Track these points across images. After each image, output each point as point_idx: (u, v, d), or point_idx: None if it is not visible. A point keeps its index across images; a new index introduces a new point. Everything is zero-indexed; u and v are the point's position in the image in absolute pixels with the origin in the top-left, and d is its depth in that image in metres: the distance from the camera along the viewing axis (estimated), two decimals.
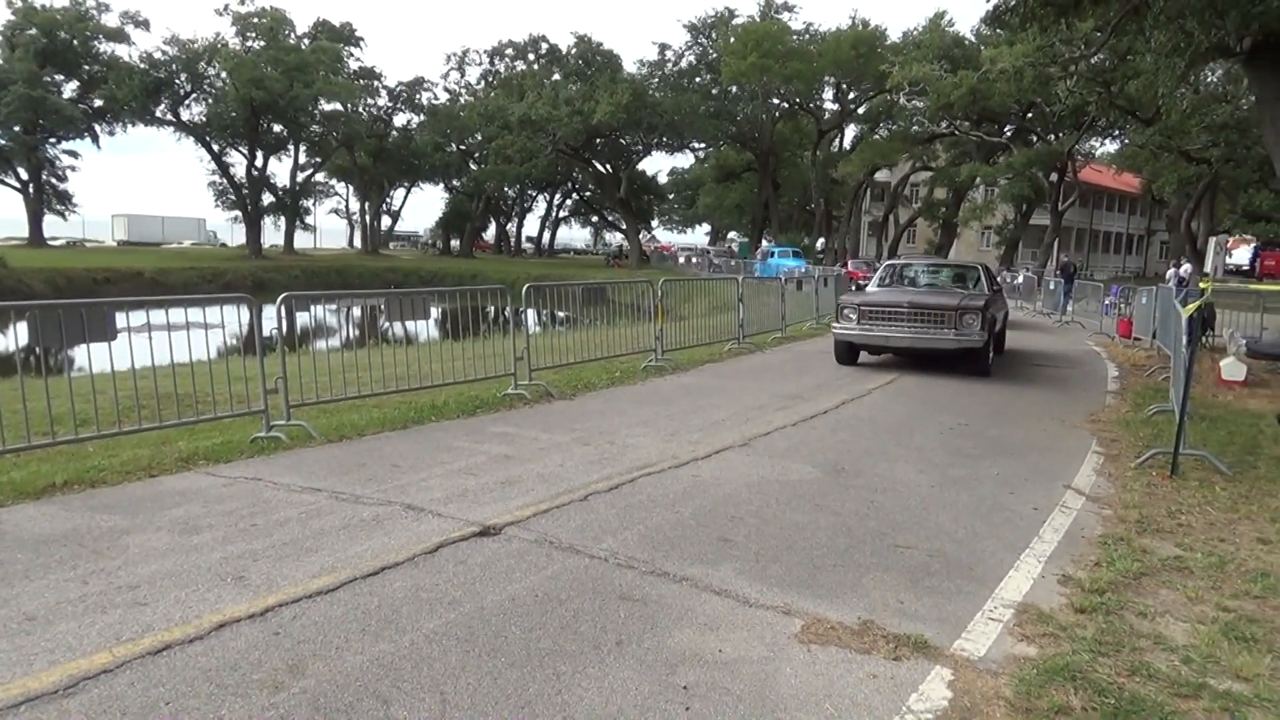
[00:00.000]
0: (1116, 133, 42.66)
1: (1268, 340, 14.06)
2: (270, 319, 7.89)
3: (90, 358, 6.51)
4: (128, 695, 3.10)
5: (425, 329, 15.70)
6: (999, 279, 27.90)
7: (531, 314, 11.38)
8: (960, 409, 9.50)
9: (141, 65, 53.73)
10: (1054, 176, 44.92)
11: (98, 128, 56.64)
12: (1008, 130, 46.46)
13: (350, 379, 8.76)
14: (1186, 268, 33.11)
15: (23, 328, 6.30)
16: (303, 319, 18.11)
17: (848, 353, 12.76)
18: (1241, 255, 55.56)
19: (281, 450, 6.88)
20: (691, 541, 4.88)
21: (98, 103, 55.22)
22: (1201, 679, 3.46)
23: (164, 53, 54.57)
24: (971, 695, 3.31)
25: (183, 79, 55.41)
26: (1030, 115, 43.76)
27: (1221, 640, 3.80)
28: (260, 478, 6.01)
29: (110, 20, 55.14)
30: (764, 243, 61.90)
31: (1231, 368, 11.60)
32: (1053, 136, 44.27)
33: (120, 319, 6.93)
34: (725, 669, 3.44)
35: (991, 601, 4.21)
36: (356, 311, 20.65)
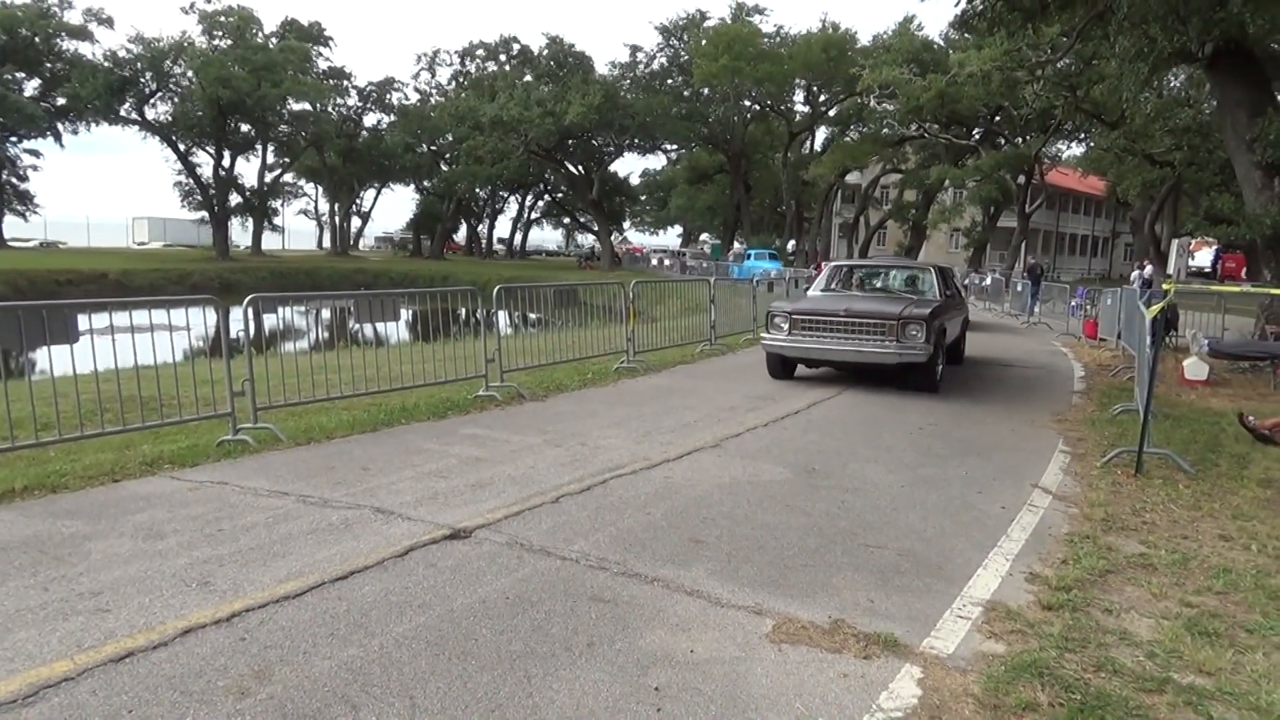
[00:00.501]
0: (1082, 136, 43.24)
1: (1229, 341, 14.31)
2: (237, 321, 7.78)
3: (52, 360, 6.39)
4: (89, 703, 3.04)
5: (396, 331, 15.61)
6: (964, 280, 28.24)
7: (504, 316, 11.34)
8: (929, 409, 9.58)
9: (105, 63, 52.83)
10: (1021, 179, 45.46)
11: (60, 127, 55.67)
12: (976, 133, 46.97)
13: (319, 381, 8.67)
14: (1149, 269, 33.64)
15: None
16: (271, 321, 17.92)
17: (781, 366, 11.28)
18: (1204, 257, 56.53)
19: (249, 454, 6.79)
20: (663, 543, 4.87)
21: (60, 101, 54.27)
22: (1165, 674, 3.51)
23: (129, 51, 53.71)
24: (940, 693, 3.33)
25: (148, 78, 54.55)
26: (998, 118, 44.26)
27: (1185, 635, 3.86)
28: (227, 482, 5.93)
29: (73, 17, 54.22)
30: (736, 244, 62.14)
31: (1194, 367, 11.79)
32: (1020, 140, 44.79)
33: (84, 321, 6.79)
34: (696, 670, 3.43)
35: (960, 600, 4.25)
36: (326, 313, 20.46)
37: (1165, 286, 7.11)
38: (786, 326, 10.74)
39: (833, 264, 14.20)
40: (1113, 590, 4.41)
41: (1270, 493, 6.38)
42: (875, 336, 10.30)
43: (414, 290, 12.81)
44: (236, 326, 8.05)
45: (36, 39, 52.28)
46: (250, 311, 7.64)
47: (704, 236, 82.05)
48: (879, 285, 12.87)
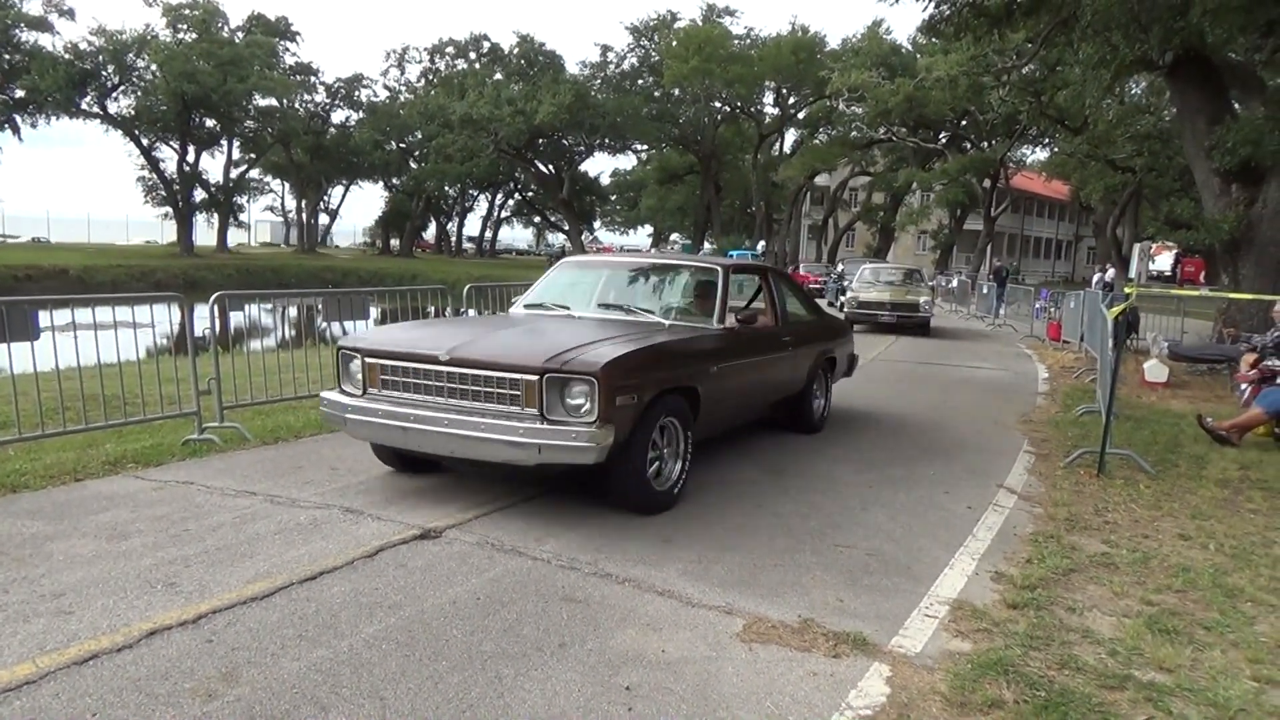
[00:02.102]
0: (1046, 141, 43.88)
1: (1188, 344, 14.59)
2: (203, 318, 7.68)
3: (11, 358, 6.27)
4: (52, 706, 2.99)
5: (357, 329, 15.48)
6: (931, 282, 28.42)
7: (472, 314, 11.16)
8: (898, 409, 9.68)
9: (66, 55, 51.81)
10: (987, 183, 46.06)
11: (19, 119, 54.55)
12: (943, 137, 47.51)
13: (286, 380, 8.58)
14: (1111, 273, 34.21)
15: None
16: (238, 319, 17.70)
17: (389, 454, 6.10)
18: (1164, 261, 57.55)
19: (215, 453, 6.72)
20: (634, 542, 4.88)
21: (19, 93, 53.17)
22: (1127, 670, 3.58)
23: (90, 43, 52.67)
24: (908, 691, 3.37)
25: (110, 70, 53.57)
26: (965, 123, 44.82)
27: (1145, 633, 3.93)
28: (192, 481, 5.85)
29: (32, 8, 53.08)
30: (705, 245, 62.30)
31: (1154, 370, 12.02)
32: (986, 144, 45.37)
33: (46, 318, 6.67)
34: (668, 669, 3.45)
35: (928, 599, 4.30)
36: (293, 311, 20.25)
37: (1126, 290, 7.23)
38: (360, 378, 5.57)
39: (565, 260, 8.09)
40: (1076, 589, 4.49)
41: (1227, 493, 6.52)
42: (495, 405, 5.07)
43: (383, 289, 12.74)
44: (202, 324, 7.93)
45: None
46: (215, 309, 7.53)
47: (674, 237, 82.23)
48: (618, 299, 6.95)
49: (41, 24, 52.84)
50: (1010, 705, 3.27)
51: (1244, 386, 9.58)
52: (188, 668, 3.29)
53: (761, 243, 56.76)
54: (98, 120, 55.34)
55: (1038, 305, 22.35)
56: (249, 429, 7.31)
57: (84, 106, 53.95)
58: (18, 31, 52.46)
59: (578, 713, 3.10)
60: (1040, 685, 3.40)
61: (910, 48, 45.45)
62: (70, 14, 54.36)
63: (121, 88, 54.80)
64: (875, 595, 4.31)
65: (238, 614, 3.77)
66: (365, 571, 4.30)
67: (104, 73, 53.45)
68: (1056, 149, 43.18)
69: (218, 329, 7.42)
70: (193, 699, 3.08)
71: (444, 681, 3.27)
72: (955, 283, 32.72)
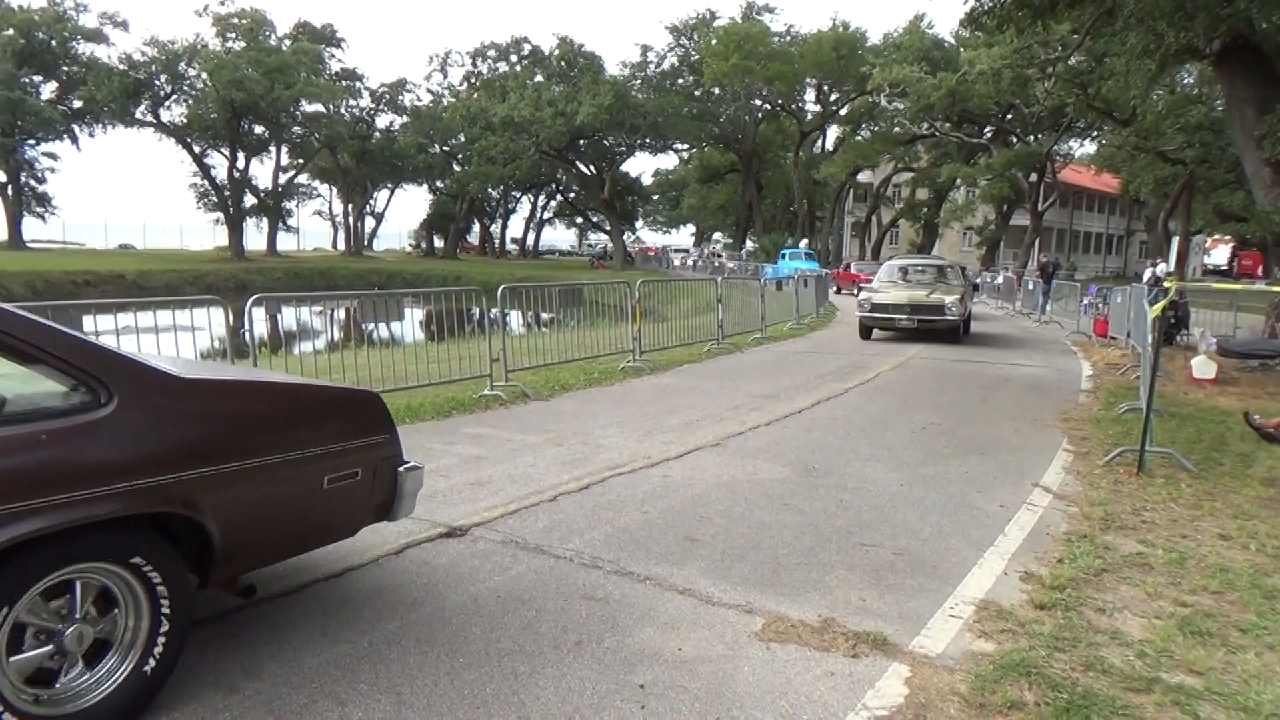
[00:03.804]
0: (1095, 134, 43.02)
1: (1239, 339, 14.21)
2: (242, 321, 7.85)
3: None
4: None
5: (405, 330, 15.69)
6: (976, 279, 27.80)
7: (515, 315, 11.29)
8: (934, 407, 9.56)
9: (120, 66, 53.28)
10: (1033, 177, 45.23)
11: (77, 129, 56.18)
12: (987, 131, 46.76)
13: (325, 382, 8.72)
14: (1162, 267, 33.42)
15: None
16: (279, 321, 18.03)
17: None
18: (1220, 255, 56.05)
19: None
20: (658, 541, 4.89)
21: (76, 104, 54.78)
22: (1155, 673, 3.50)
23: (143, 54, 54.15)
24: (927, 691, 3.33)
25: (162, 80, 54.99)
26: (1009, 116, 44.07)
27: (1177, 635, 3.84)
28: None
29: (89, 21, 54.68)
30: (747, 243, 62.05)
31: (1202, 366, 11.72)
32: (1032, 137, 44.58)
33: (101, 322, 6.86)
34: (683, 668, 3.45)
35: (953, 599, 4.24)
36: (337, 313, 20.59)
37: (1166, 284, 7.06)
38: None
39: None
40: (1107, 589, 4.40)
41: (1273, 492, 6.34)
42: None
43: (418, 290, 12.91)
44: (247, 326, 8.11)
45: (53, 42, 52.77)
46: (252, 312, 7.67)
47: (716, 236, 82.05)
48: None
49: (97, 36, 54.44)
50: (1031, 707, 3.21)
51: None
52: (211, 662, 3.36)
53: (804, 241, 56.44)
54: (151, 129, 56.84)
55: (1085, 301, 21.85)
56: None
57: (138, 115, 55.42)
58: (75, 44, 54.04)
59: (591, 710, 3.12)
60: (1063, 687, 3.34)
61: (953, 41, 44.71)
62: (124, 25, 56.18)
63: (174, 96, 56.20)
64: (899, 595, 4.27)
65: (264, 610, 3.84)
66: (390, 569, 4.36)
67: (157, 82, 54.86)
68: (1105, 142, 42.34)
69: (253, 331, 7.55)
70: (214, 693, 3.15)
71: (460, 678, 3.30)
72: (1001, 279, 32.19)
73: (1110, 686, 3.38)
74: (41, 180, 56.96)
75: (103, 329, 6.92)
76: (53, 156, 57.06)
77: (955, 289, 17.28)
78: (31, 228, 58.27)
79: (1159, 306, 7.11)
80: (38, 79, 53.72)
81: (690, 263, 57.42)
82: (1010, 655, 3.60)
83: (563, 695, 3.20)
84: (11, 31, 50.72)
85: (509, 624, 3.78)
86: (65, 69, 54.37)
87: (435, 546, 4.70)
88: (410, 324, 16.75)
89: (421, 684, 3.25)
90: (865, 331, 17.08)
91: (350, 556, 4.50)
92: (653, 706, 3.15)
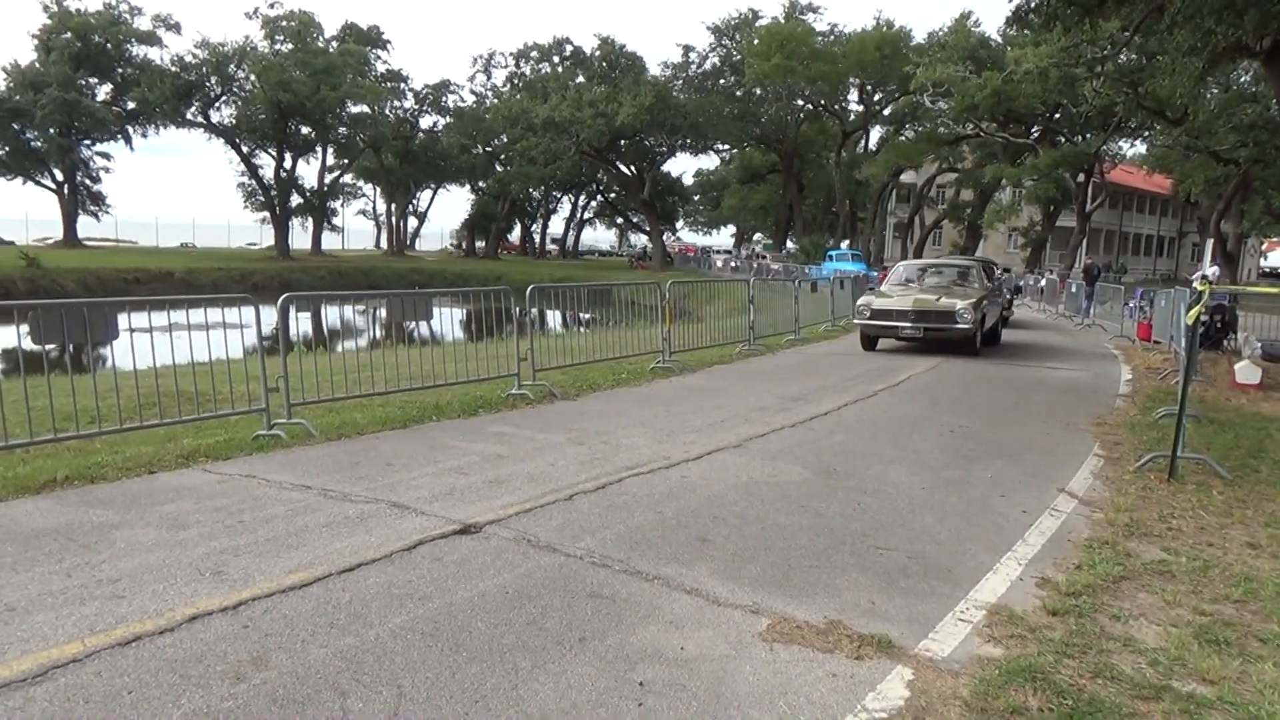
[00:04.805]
0: (1146, 134, 42.11)
1: None
2: (274, 319, 8.01)
3: (103, 356, 6.65)
4: (93, 684, 3.17)
5: (442, 329, 15.86)
6: (1019, 281, 27.09)
7: (553, 315, 11.30)
8: (965, 410, 9.44)
9: (173, 68, 54.62)
10: (1081, 178, 44.41)
11: (130, 130, 57.58)
12: (1034, 131, 45.99)
13: (354, 379, 8.87)
14: (1214, 270, 32.58)
15: (28, 327, 6.43)
16: (316, 319, 18.34)
17: None
18: (1277, 258, 54.57)
19: (280, 448, 6.98)
20: (670, 541, 4.90)
21: (130, 105, 56.16)
22: (1166, 681, 3.44)
23: (194, 56, 55.46)
24: (929, 695, 3.30)
25: (212, 81, 56.20)
26: (1057, 116, 43.32)
27: (1192, 643, 3.77)
28: (254, 475, 6.10)
29: (142, 23, 56.09)
30: (788, 244, 61.70)
31: (1246, 371, 11.43)
32: (1080, 138, 43.76)
33: (137, 319, 7.05)
34: (684, 666, 3.46)
35: (964, 603, 4.20)
36: (379, 312, 20.90)
37: (1199, 287, 6.88)
38: None
39: None
40: (1124, 597, 4.32)
41: None
42: None
43: (449, 290, 13.06)
44: (272, 324, 8.27)
45: (108, 45, 54.16)
46: (284, 310, 7.81)
47: (757, 236, 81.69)
48: None
49: (150, 38, 55.77)
50: (1034, 713, 3.17)
51: None
52: (222, 651, 3.45)
53: (845, 242, 55.96)
54: (201, 129, 58.15)
55: (1130, 304, 21.39)
56: (316, 425, 7.57)
57: (189, 116, 56.70)
58: (129, 46, 55.39)
59: (589, 706, 3.14)
60: (1069, 694, 3.30)
61: (999, 40, 44.03)
62: (177, 28, 57.49)
63: (223, 98, 57.37)
64: (910, 598, 4.23)
65: (275, 602, 3.92)
66: (401, 564, 4.42)
67: (207, 84, 56.06)
68: (1156, 142, 41.44)
69: (285, 328, 7.69)
70: (222, 681, 3.22)
71: (461, 672, 3.34)
72: (1044, 281, 31.65)
73: (1118, 694, 3.33)
74: (96, 180, 58.59)
75: (137, 326, 7.09)
76: (106, 156, 58.71)
77: (972, 293, 15.03)
78: (86, 226, 59.96)
79: (1195, 310, 6.95)
80: (93, 81, 55.17)
81: (733, 264, 57.14)
82: (1017, 660, 3.56)
83: (561, 691, 3.23)
84: (69, 35, 52.15)
85: (514, 620, 3.81)
86: (119, 71, 55.76)
87: (448, 543, 4.75)
88: (448, 323, 16.90)
89: (423, 677, 3.29)
90: (868, 342, 15.11)
91: (363, 551, 4.57)
92: (650, 704, 3.16)
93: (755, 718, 3.11)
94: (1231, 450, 7.61)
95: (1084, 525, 5.51)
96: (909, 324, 14.26)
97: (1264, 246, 67.41)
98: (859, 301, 15.65)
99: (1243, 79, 28.84)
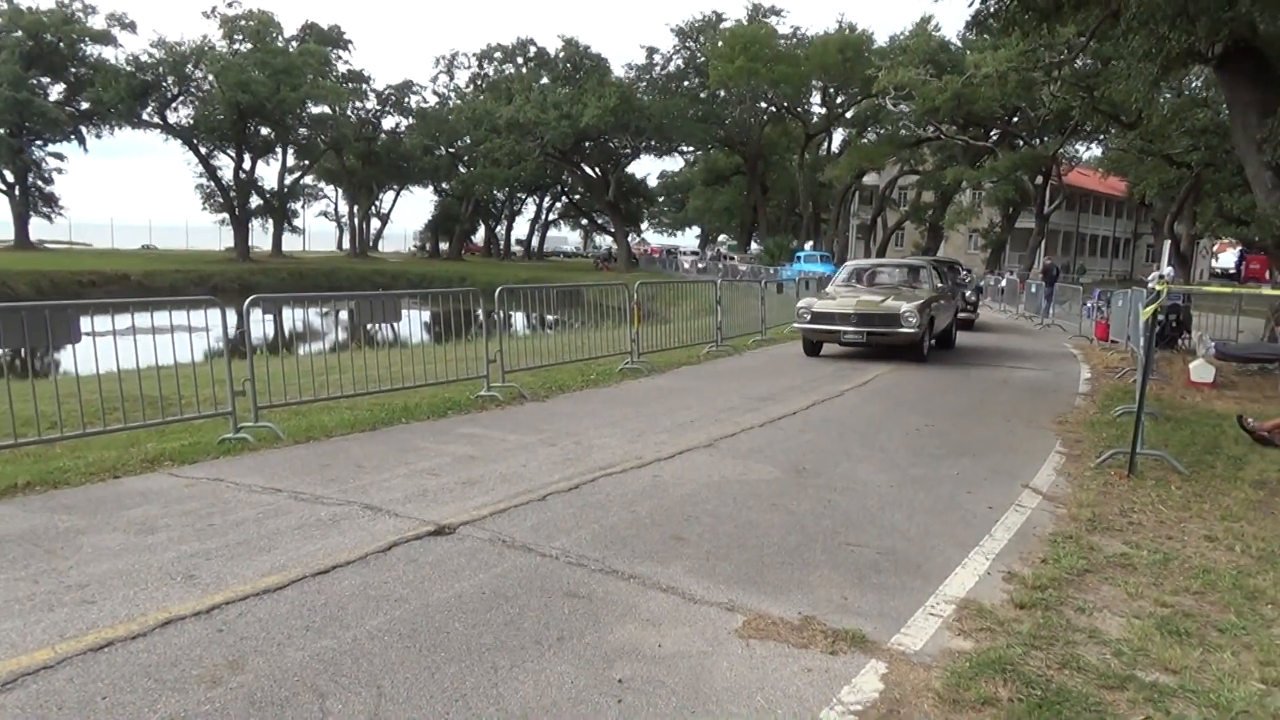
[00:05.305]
0: (1101, 137, 42.90)
1: (1239, 343, 14.19)
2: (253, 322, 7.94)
3: (60, 359, 6.53)
4: (65, 690, 3.13)
5: (407, 331, 15.77)
6: (980, 282, 27.65)
7: (520, 317, 11.28)
8: (929, 410, 9.58)
9: (128, 68, 53.53)
10: (1039, 180, 45.15)
11: (84, 130, 56.42)
12: (993, 134, 46.69)
13: (321, 381, 8.80)
14: (1169, 270, 33.29)
15: None
16: (280, 321, 18.14)
17: None
18: (1228, 259, 55.87)
19: (247, 451, 6.91)
20: (644, 540, 4.93)
21: (84, 105, 55.04)
22: (1130, 671, 3.53)
23: (151, 55, 54.39)
24: (902, 687, 3.37)
25: (169, 81, 55.23)
26: (1015, 120, 43.98)
27: (1154, 634, 3.87)
28: (222, 478, 6.04)
29: (96, 22, 54.94)
30: (752, 245, 62.04)
31: (1200, 370, 11.72)
32: (1038, 140, 44.48)
33: (99, 322, 6.93)
34: (662, 663, 3.49)
35: (934, 598, 4.27)
36: (337, 314, 20.68)
37: (1156, 287, 7.06)
38: None
39: None
40: (1089, 589, 4.43)
41: (1262, 494, 6.36)
42: None
43: (417, 291, 12.97)
44: (237, 327, 8.18)
45: (61, 44, 53.02)
46: (249, 312, 7.74)
47: (721, 238, 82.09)
48: None
49: (105, 38, 54.66)
50: (1004, 703, 3.25)
51: None
52: (197, 656, 3.42)
53: (809, 244, 56.38)
54: (158, 130, 57.11)
55: (1088, 304, 21.82)
56: (284, 428, 7.50)
57: (145, 117, 55.69)
58: (83, 45, 54.29)
59: (569, 703, 3.16)
60: (1037, 684, 3.38)
61: (959, 44, 44.69)
62: (132, 27, 56.56)
63: (180, 98, 56.42)
64: (881, 594, 4.30)
65: (249, 605, 3.89)
66: (376, 566, 4.41)
67: (164, 84, 55.11)
68: (1111, 145, 42.22)
69: (251, 331, 7.61)
70: (199, 685, 3.20)
71: (440, 672, 3.35)
72: (1004, 282, 32.15)
73: (1084, 684, 3.41)
74: (49, 181, 57.27)
75: (99, 329, 6.98)
76: (59, 157, 57.40)
77: (921, 294, 14.01)
78: (39, 228, 58.60)
79: (1150, 309, 7.13)
80: (46, 80, 53.97)
81: (700, 266, 57.31)
82: (987, 653, 3.63)
83: (541, 689, 3.25)
84: (20, 33, 50.97)
85: (492, 620, 3.82)
86: (73, 70, 54.59)
87: (423, 544, 4.74)
88: (413, 325, 16.81)
89: (402, 677, 3.29)
90: (810, 348, 14.29)
91: (338, 553, 4.55)
92: (629, 700, 3.19)
93: (733, 712, 3.15)
94: (1188, 446, 7.80)
95: (1048, 520, 5.63)
96: (851, 328, 13.45)
97: (1215, 248, 68.92)
98: (799, 304, 14.71)
99: (1195, 84, 29.49)
